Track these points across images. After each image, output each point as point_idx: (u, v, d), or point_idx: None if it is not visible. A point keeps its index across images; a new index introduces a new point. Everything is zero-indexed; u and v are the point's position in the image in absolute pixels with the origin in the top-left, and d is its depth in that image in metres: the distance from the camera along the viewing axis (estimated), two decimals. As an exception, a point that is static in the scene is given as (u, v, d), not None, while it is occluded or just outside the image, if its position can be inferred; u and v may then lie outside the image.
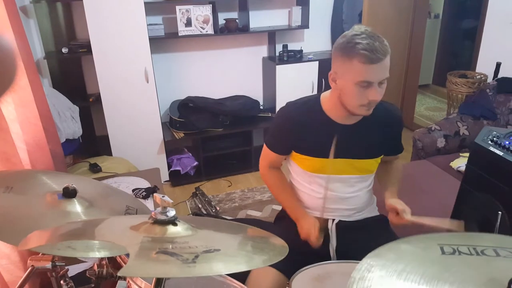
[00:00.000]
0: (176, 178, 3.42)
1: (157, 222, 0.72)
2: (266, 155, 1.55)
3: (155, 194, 0.73)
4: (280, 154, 1.52)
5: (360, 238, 1.41)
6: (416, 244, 0.71)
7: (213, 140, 3.53)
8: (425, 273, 0.62)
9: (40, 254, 1.07)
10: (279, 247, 0.78)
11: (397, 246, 0.70)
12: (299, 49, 3.62)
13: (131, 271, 0.60)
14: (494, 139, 1.63)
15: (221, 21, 3.39)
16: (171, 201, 0.71)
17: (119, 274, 0.54)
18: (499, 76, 3.01)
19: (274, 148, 1.51)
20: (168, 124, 3.48)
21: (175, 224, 0.72)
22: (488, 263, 0.65)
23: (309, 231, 1.39)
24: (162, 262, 0.59)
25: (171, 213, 0.73)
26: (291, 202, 1.52)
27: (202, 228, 0.77)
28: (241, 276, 1.26)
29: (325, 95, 1.44)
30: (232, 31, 3.37)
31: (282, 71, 3.49)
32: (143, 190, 2.13)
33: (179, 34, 3.20)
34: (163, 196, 0.71)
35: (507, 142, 1.59)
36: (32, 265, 1.05)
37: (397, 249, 0.69)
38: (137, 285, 0.89)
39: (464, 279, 0.61)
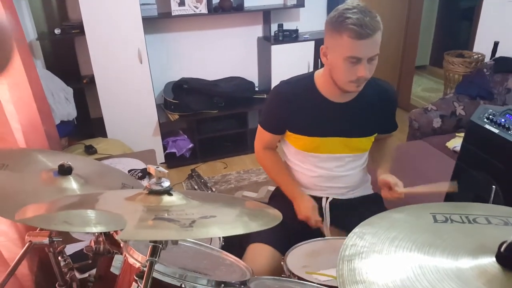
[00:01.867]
0: (172, 160, 3.41)
1: (152, 192, 0.72)
2: (261, 136, 1.54)
3: (149, 166, 0.73)
4: (275, 133, 1.50)
5: (353, 216, 1.42)
6: (408, 213, 0.72)
7: (208, 122, 3.52)
8: (417, 240, 0.63)
9: (38, 229, 1.07)
10: (274, 215, 0.79)
11: (390, 215, 0.71)
12: (295, 28, 3.57)
13: (130, 235, 0.60)
14: (490, 117, 1.63)
15: (215, 0, 3.34)
16: (166, 171, 0.71)
17: (118, 237, 0.54)
18: (497, 55, 2.99)
19: (269, 127, 1.50)
20: (163, 106, 3.46)
21: (170, 194, 0.72)
22: (480, 231, 0.66)
23: (307, 213, 1.40)
24: (160, 227, 0.60)
25: (166, 183, 0.73)
26: (287, 182, 1.51)
27: (197, 199, 0.78)
28: (237, 253, 1.27)
29: (318, 73, 1.43)
30: (226, 10, 3.32)
31: (278, 51, 3.45)
32: (139, 171, 2.13)
33: (173, 14, 3.15)
34: (157, 167, 0.71)
35: (503, 120, 1.59)
36: (30, 241, 1.05)
37: (389, 218, 0.70)
38: (134, 258, 0.90)
39: (455, 246, 0.62)
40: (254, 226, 0.68)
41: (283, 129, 1.47)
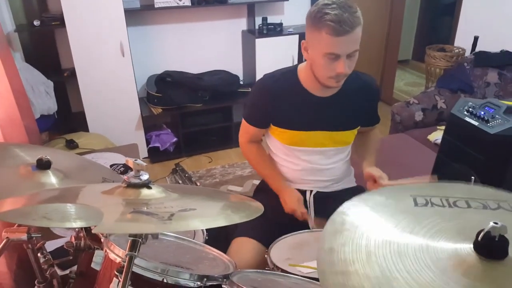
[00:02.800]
0: (155, 155, 3.38)
1: (130, 185, 0.71)
2: (245, 129, 1.53)
3: (127, 158, 0.72)
4: (259, 127, 1.50)
5: (337, 208, 1.43)
6: (389, 195, 0.72)
7: (193, 116, 3.48)
8: (398, 225, 0.63)
9: (16, 226, 1.05)
10: (255, 207, 0.79)
11: (372, 197, 0.71)
12: (279, 22, 3.56)
13: (107, 228, 0.59)
14: (470, 109, 1.66)
15: (199, -7, 3.30)
16: (144, 164, 0.70)
17: (95, 230, 0.53)
18: (477, 49, 3.05)
19: (253, 121, 1.49)
20: (146, 99, 3.42)
21: (149, 187, 0.71)
22: (460, 215, 0.66)
23: (293, 206, 1.41)
24: (138, 220, 0.59)
25: (145, 176, 0.72)
26: (273, 175, 1.51)
27: (177, 192, 0.77)
28: (223, 248, 1.27)
29: (302, 66, 1.42)
30: (210, 2, 3.29)
31: (262, 44, 3.44)
32: (121, 165, 2.10)
33: (155, 6, 3.11)
34: (135, 160, 0.69)
35: (482, 113, 1.62)
36: (7, 237, 1.03)
37: (371, 200, 0.70)
38: (114, 253, 0.89)
39: (436, 231, 0.62)
40: (236, 218, 0.67)
41: (267, 123, 1.47)
